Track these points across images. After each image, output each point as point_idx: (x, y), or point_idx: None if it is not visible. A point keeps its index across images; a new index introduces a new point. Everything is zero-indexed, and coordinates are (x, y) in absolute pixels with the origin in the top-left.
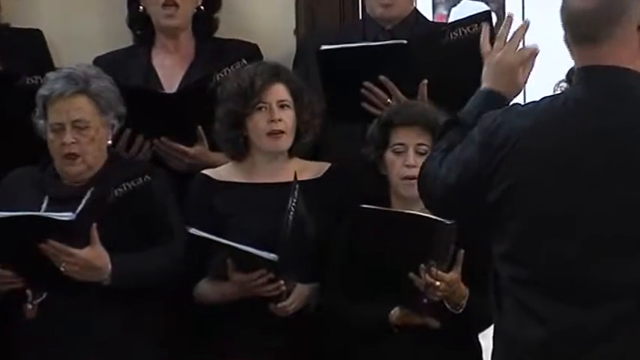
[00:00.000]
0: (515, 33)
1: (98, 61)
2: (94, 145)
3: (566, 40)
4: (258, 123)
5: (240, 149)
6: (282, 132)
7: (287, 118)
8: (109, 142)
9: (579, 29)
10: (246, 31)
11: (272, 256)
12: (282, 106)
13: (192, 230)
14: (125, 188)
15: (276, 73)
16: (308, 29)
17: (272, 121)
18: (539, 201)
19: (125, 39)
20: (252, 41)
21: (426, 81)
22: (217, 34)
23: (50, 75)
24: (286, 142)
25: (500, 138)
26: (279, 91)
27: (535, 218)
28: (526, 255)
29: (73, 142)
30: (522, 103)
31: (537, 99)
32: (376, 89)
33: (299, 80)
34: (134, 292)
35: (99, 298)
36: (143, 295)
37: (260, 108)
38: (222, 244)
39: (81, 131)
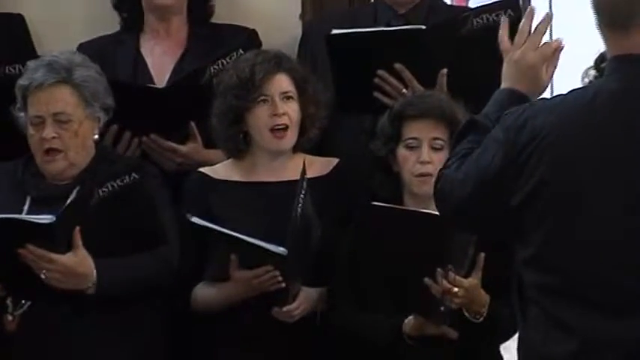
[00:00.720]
0: (537, 28)
1: (82, 49)
2: (77, 140)
3: (599, 26)
4: (259, 118)
5: (240, 147)
6: (285, 127)
7: (291, 112)
8: (96, 136)
9: (612, 14)
10: (248, 16)
11: (281, 249)
12: (285, 99)
13: (194, 219)
14: (110, 188)
15: (277, 62)
16: (315, 14)
17: (275, 115)
18: (568, 203)
19: (113, 24)
20: (255, 26)
21: (445, 70)
22: (217, 19)
23: (30, 63)
24: (290, 139)
25: (526, 136)
26: (282, 82)
27: (563, 221)
28: (553, 260)
29: (53, 137)
30: (548, 97)
31: (564, 92)
32: (391, 78)
33: (303, 69)
34: (123, 301)
35: (85, 308)
36: (134, 304)
37: (261, 101)
38: (226, 236)
39: (62, 125)
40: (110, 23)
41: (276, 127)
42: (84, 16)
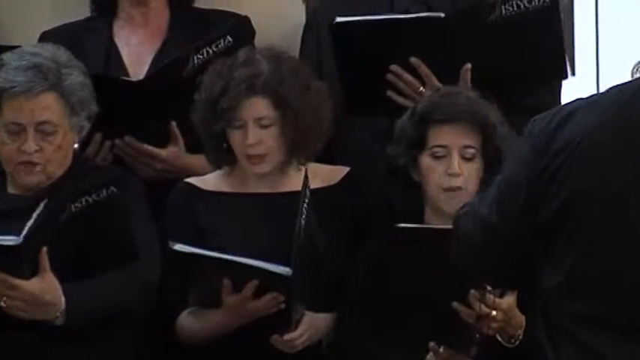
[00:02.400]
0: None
1: (46, 38)
2: (60, 154)
3: None
4: (233, 142)
5: (225, 159)
6: (260, 156)
7: (268, 138)
8: (76, 145)
9: None
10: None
11: (283, 269)
12: (260, 126)
13: (177, 246)
14: (84, 203)
15: (253, 82)
16: None
17: (248, 144)
18: (605, 215)
19: (82, 9)
20: (251, 12)
21: (469, 65)
22: (206, 4)
23: (9, 59)
24: (269, 164)
25: (559, 142)
26: (257, 107)
27: (601, 236)
28: (590, 283)
29: (35, 151)
30: (583, 97)
31: (603, 90)
32: (406, 74)
33: (292, 78)
34: (98, 325)
35: (54, 336)
36: (110, 329)
37: (235, 125)
38: (217, 259)
39: (46, 137)
40: (79, 8)
41: (249, 155)
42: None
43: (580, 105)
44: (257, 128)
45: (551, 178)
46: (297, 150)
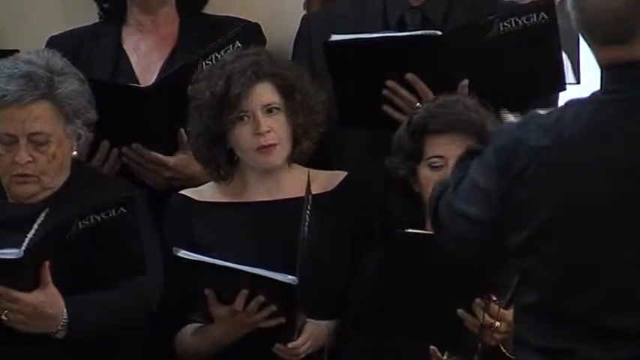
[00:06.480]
0: None
1: (53, 43)
2: (54, 163)
3: (586, 40)
4: (242, 137)
5: (223, 171)
6: (273, 145)
7: (277, 126)
8: (74, 153)
9: (604, 31)
10: (246, 6)
11: (291, 278)
12: (269, 111)
13: (182, 253)
14: (92, 221)
15: (256, 69)
16: (321, 4)
17: (258, 134)
18: (571, 243)
19: (89, 14)
20: (254, 19)
21: (466, 81)
22: (211, 10)
23: (2, 67)
24: (280, 154)
25: (519, 161)
26: (264, 93)
27: (567, 264)
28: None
29: (28, 162)
30: (542, 113)
31: (562, 105)
32: (402, 90)
33: (290, 69)
34: (99, 342)
35: (54, 350)
36: (111, 345)
37: (241, 118)
38: (220, 268)
39: (39, 147)
40: (88, 13)
41: (262, 146)
42: (55, 4)
43: (539, 122)
44: (265, 117)
45: (517, 201)
46: (302, 137)
